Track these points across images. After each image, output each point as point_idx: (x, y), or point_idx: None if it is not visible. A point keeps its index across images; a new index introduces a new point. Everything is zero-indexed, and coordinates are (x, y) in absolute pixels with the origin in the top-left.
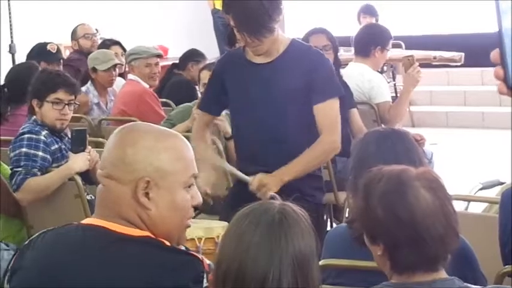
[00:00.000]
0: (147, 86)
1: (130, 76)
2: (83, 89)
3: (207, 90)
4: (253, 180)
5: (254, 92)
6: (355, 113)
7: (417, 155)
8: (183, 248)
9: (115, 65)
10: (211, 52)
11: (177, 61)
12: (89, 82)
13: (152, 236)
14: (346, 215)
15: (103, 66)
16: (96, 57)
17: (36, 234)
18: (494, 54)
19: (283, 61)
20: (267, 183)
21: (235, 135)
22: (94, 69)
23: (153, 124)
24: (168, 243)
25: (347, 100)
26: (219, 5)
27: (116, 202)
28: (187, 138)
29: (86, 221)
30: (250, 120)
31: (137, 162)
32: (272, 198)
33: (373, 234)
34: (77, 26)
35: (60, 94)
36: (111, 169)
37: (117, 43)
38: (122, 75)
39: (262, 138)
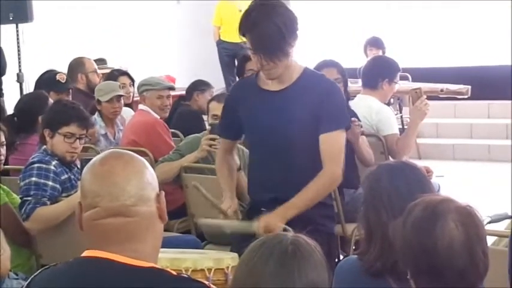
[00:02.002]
0: (157, 116)
1: (141, 106)
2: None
3: (223, 117)
4: (259, 227)
5: (265, 119)
6: (363, 140)
7: (429, 188)
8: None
9: (118, 96)
10: (217, 83)
11: (184, 92)
12: (96, 113)
13: (156, 266)
14: (353, 246)
15: (105, 97)
16: (100, 89)
17: (46, 267)
18: None
19: (295, 89)
20: (271, 226)
21: (249, 160)
22: (99, 101)
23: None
24: (174, 273)
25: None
26: (223, 36)
27: (145, 230)
28: (196, 169)
29: (90, 253)
30: (261, 147)
31: (154, 179)
32: (285, 230)
33: (404, 259)
34: (82, 58)
35: (73, 128)
36: (141, 194)
37: (125, 73)
38: (130, 105)
39: (272, 165)
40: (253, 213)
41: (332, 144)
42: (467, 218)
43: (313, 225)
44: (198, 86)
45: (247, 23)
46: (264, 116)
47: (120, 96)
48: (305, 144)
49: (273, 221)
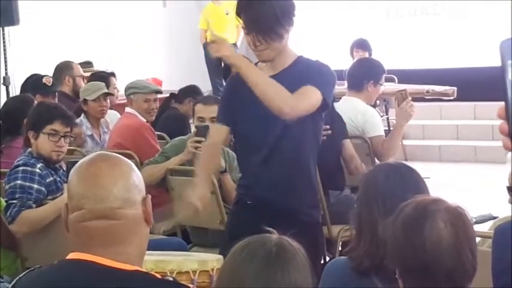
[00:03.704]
0: (144, 120)
1: (127, 109)
2: (77, 121)
3: (222, 104)
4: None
5: (255, 106)
6: (348, 142)
7: (424, 191)
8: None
9: (105, 95)
10: (204, 85)
11: (175, 92)
12: (82, 115)
13: (141, 269)
14: (339, 248)
15: (92, 96)
16: (86, 89)
17: (31, 269)
18: (501, 109)
19: (287, 75)
20: (220, 48)
21: (239, 152)
22: (85, 101)
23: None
24: (158, 276)
25: (340, 131)
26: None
27: (130, 233)
28: (181, 171)
29: (75, 256)
30: (250, 135)
31: (140, 182)
32: (268, 232)
33: (393, 257)
34: (70, 62)
35: (56, 126)
36: (127, 197)
37: (113, 74)
38: (116, 108)
39: (261, 156)
40: (239, 208)
41: (305, 91)
42: (457, 218)
43: (299, 216)
44: (193, 93)
45: (243, 3)
46: (254, 103)
47: (107, 95)
48: (294, 133)
49: (226, 48)
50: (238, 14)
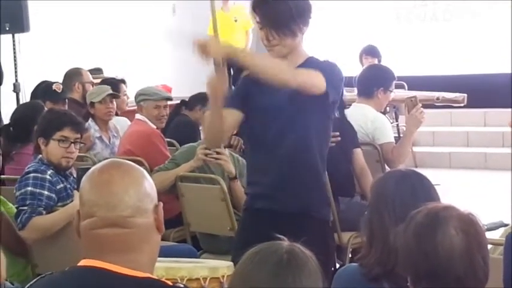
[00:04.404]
0: (154, 126)
1: (138, 116)
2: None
3: (233, 92)
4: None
5: (263, 101)
6: (358, 152)
7: (435, 198)
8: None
9: (111, 96)
10: None
11: (185, 99)
12: (90, 119)
13: (152, 277)
14: (349, 255)
15: (98, 98)
16: (92, 92)
17: (41, 275)
18: None
19: None
20: (210, 49)
21: (248, 149)
22: (92, 104)
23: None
24: (170, 283)
25: (351, 139)
26: None
27: (142, 241)
28: (191, 178)
29: (86, 262)
30: (258, 131)
31: (153, 190)
32: (278, 238)
33: (404, 264)
34: (79, 69)
35: (66, 132)
36: (138, 205)
37: (123, 81)
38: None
39: (267, 151)
40: (249, 215)
41: (308, 70)
42: (469, 225)
43: (309, 213)
44: (203, 100)
45: (259, 0)
46: (263, 97)
47: (113, 96)
48: (304, 125)
49: (216, 48)
50: (253, 8)
